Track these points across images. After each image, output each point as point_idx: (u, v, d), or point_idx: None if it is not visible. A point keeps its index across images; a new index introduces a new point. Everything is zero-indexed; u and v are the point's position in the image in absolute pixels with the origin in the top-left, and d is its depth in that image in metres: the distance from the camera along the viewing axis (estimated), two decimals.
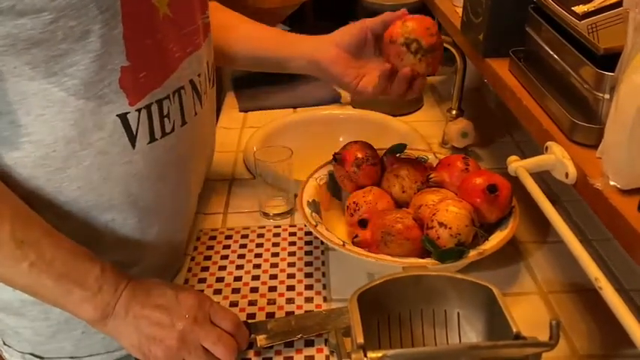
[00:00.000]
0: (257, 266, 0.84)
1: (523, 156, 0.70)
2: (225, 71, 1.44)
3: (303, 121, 1.23)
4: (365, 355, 0.52)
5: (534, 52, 0.80)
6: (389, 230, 0.77)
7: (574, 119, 0.66)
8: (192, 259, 0.87)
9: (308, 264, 0.85)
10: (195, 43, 0.75)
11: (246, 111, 1.31)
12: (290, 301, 0.78)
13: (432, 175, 0.85)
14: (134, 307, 0.66)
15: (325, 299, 0.79)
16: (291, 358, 0.70)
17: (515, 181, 0.70)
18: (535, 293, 0.79)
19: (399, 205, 0.86)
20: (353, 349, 0.53)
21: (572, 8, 0.69)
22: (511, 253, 0.85)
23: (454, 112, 1.13)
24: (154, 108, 0.69)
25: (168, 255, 0.82)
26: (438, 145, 1.13)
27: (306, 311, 0.77)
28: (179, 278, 0.84)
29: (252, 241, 0.90)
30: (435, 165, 0.90)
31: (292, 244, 0.89)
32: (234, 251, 0.88)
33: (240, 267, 0.85)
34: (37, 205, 0.66)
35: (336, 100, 1.30)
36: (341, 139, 1.12)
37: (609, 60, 0.62)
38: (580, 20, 0.66)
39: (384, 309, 0.64)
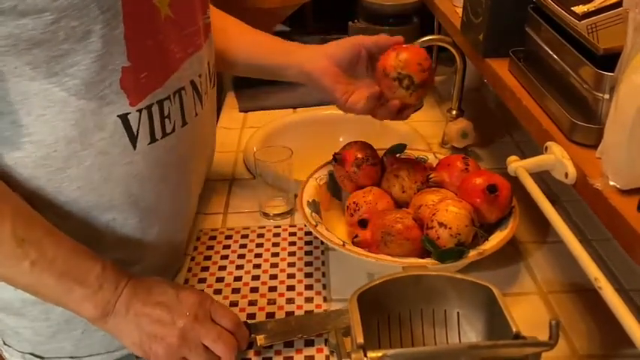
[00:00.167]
0: (257, 266, 0.85)
1: (523, 156, 0.70)
2: (225, 72, 1.44)
3: (303, 122, 1.23)
4: (365, 355, 0.52)
5: (534, 52, 0.80)
6: (389, 230, 0.77)
7: (574, 119, 0.67)
8: (193, 259, 0.87)
9: (308, 264, 0.85)
10: (196, 44, 0.75)
11: (246, 111, 1.31)
12: (290, 301, 0.78)
13: (431, 175, 0.85)
14: (135, 304, 0.66)
15: (325, 299, 0.79)
16: (291, 358, 0.70)
17: (515, 182, 0.70)
18: (535, 293, 0.79)
19: (399, 205, 0.86)
20: (353, 349, 0.53)
21: (572, 8, 0.69)
22: (511, 253, 0.85)
23: (454, 112, 1.13)
24: (155, 108, 0.69)
25: (168, 255, 0.82)
26: (438, 145, 1.13)
27: (306, 311, 0.77)
28: (179, 278, 0.84)
29: (252, 241, 0.90)
30: (434, 165, 0.90)
31: (292, 244, 0.89)
32: (234, 251, 0.88)
33: (240, 267, 0.85)
34: (38, 204, 0.66)
35: None
36: (341, 139, 1.12)
37: (609, 60, 0.62)
38: (580, 20, 0.66)
39: (384, 309, 0.64)
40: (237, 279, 0.82)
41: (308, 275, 0.83)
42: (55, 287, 0.64)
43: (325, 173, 0.93)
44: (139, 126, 0.68)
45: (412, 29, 1.27)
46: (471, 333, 0.64)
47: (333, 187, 0.93)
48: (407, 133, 1.14)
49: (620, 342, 0.70)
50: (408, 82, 0.76)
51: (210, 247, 0.89)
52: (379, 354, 0.52)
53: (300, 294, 0.80)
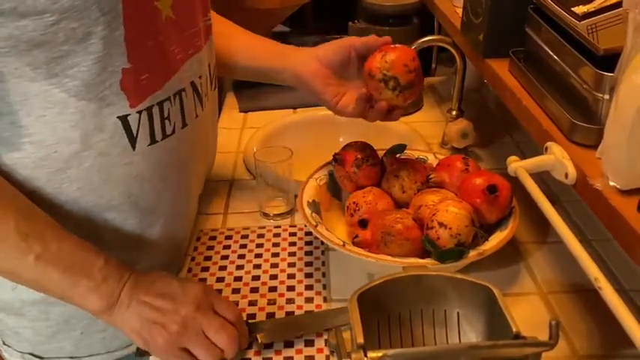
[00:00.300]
0: (257, 266, 0.85)
1: (523, 156, 0.70)
2: (224, 76, 1.44)
3: (303, 122, 1.23)
4: (365, 355, 0.52)
5: (534, 52, 0.80)
6: (389, 230, 0.77)
7: (574, 120, 0.67)
8: (193, 259, 0.87)
9: (308, 264, 0.85)
10: (196, 45, 0.75)
11: (246, 111, 1.31)
12: (290, 301, 0.78)
13: (431, 176, 0.85)
14: (138, 293, 0.66)
15: (325, 299, 0.79)
16: (291, 358, 0.70)
17: (515, 182, 0.70)
18: (535, 293, 0.79)
19: (399, 205, 0.86)
20: (353, 349, 0.53)
21: (572, 9, 0.69)
22: (511, 253, 0.85)
23: (454, 112, 1.13)
24: (155, 110, 0.69)
25: (168, 255, 0.82)
26: (438, 146, 1.13)
27: (306, 311, 0.77)
28: None
29: (252, 241, 0.90)
30: (434, 165, 0.90)
31: (292, 244, 0.89)
32: (234, 251, 0.88)
33: (240, 267, 0.85)
34: (38, 205, 0.66)
35: None
36: (341, 140, 1.12)
37: (609, 60, 0.62)
38: (580, 21, 0.67)
39: (384, 309, 0.64)
40: (238, 279, 0.82)
41: (308, 275, 0.83)
42: (59, 281, 0.64)
43: (325, 173, 0.93)
44: (138, 127, 0.68)
45: (412, 30, 1.27)
46: (471, 333, 0.64)
47: (333, 188, 0.93)
48: (407, 134, 1.14)
49: (620, 342, 0.70)
50: (394, 84, 0.75)
51: (211, 248, 0.89)
52: (379, 354, 0.52)
53: (300, 294, 0.80)
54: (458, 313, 0.64)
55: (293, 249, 0.88)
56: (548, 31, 0.75)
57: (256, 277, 0.83)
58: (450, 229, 0.74)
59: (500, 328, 0.57)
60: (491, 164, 1.06)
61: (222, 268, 0.85)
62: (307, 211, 0.84)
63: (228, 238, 0.91)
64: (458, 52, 1.06)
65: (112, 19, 0.61)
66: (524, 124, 0.78)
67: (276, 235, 0.91)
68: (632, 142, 0.55)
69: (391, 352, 0.52)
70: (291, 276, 0.83)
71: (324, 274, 0.83)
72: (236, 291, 0.80)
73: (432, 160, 0.94)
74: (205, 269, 0.85)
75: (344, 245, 0.77)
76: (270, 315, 0.76)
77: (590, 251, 0.57)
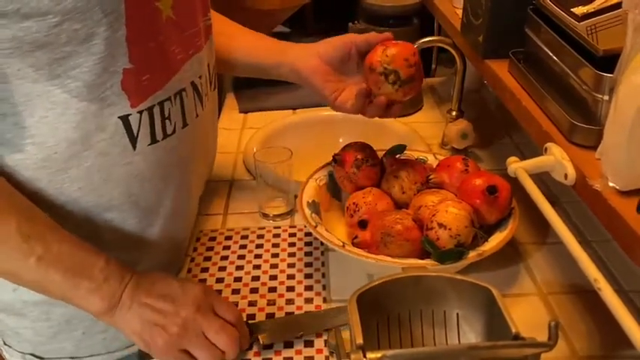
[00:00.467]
0: (257, 267, 0.85)
1: (522, 157, 0.70)
2: (225, 74, 1.44)
3: (303, 122, 1.23)
4: (364, 356, 0.52)
5: (534, 53, 0.80)
6: (388, 231, 0.77)
7: (573, 120, 0.67)
8: (192, 259, 0.87)
9: (308, 265, 0.85)
10: (196, 45, 0.75)
11: (246, 112, 1.31)
12: (290, 301, 0.78)
13: (431, 176, 0.85)
14: (139, 294, 0.66)
15: (325, 300, 0.79)
16: (291, 358, 0.70)
17: (515, 183, 0.70)
18: (534, 294, 0.79)
19: (399, 206, 0.86)
20: (352, 350, 0.53)
21: (572, 10, 0.69)
22: (510, 254, 0.85)
23: (454, 113, 1.13)
24: (156, 110, 0.70)
25: (169, 256, 0.82)
26: (438, 146, 1.13)
27: (306, 312, 0.77)
28: None
29: (252, 242, 0.90)
30: (434, 166, 0.90)
31: (292, 245, 0.89)
32: (233, 252, 0.88)
33: (240, 268, 0.85)
34: (38, 205, 0.66)
35: None
36: (341, 140, 1.12)
37: (608, 61, 0.62)
38: (579, 22, 0.67)
39: (383, 309, 0.64)
40: (237, 280, 0.82)
41: (308, 276, 0.83)
42: (61, 282, 0.64)
43: (325, 174, 0.93)
44: (139, 127, 0.68)
45: (412, 30, 1.27)
46: (471, 334, 0.64)
47: (333, 188, 0.93)
48: (407, 134, 1.14)
49: (620, 343, 0.70)
50: (394, 78, 0.76)
51: (210, 248, 0.89)
52: (378, 354, 0.52)
53: (299, 295, 0.80)
54: (457, 313, 0.64)
55: (293, 250, 0.88)
56: (548, 32, 0.75)
57: (256, 278, 0.83)
58: (450, 229, 0.74)
59: (500, 329, 0.57)
60: (491, 165, 1.06)
61: (222, 268, 0.85)
62: (307, 211, 0.84)
63: (228, 238, 0.91)
64: (458, 52, 1.06)
65: (115, 20, 0.61)
66: (524, 124, 0.78)
67: (276, 235, 0.91)
68: (631, 143, 0.55)
69: (390, 352, 0.52)
70: (290, 277, 0.83)
71: (323, 275, 0.83)
72: (236, 292, 0.80)
73: (431, 160, 0.94)
74: (205, 270, 0.85)
75: (344, 246, 0.77)
76: (270, 315, 0.76)
77: (589, 252, 0.57)
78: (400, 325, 0.65)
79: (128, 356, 0.81)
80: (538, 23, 0.78)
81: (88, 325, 0.78)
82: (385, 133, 1.14)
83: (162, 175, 0.74)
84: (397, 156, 0.92)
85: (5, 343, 0.83)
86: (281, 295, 0.79)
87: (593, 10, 0.67)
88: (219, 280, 0.82)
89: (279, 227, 0.93)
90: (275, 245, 0.89)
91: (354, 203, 0.85)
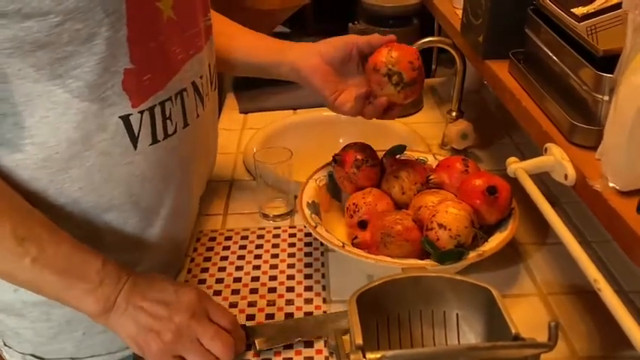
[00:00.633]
0: (257, 267, 0.85)
1: (522, 157, 0.70)
2: (225, 73, 1.44)
3: (303, 123, 1.23)
4: (364, 356, 0.52)
5: (534, 53, 0.80)
6: (388, 231, 0.77)
7: (573, 121, 0.67)
8: (192, 260, 0.87)
9: (308, 265, 0.85)
10: (197, 45, 0.75)
11: (246, 112, 1.31)
12: (289, 302, 0.78)
13: (431, 177, 0.85)
14: (134, 298, 0.66)
15: (325, 300, 0.79)
16: (290, 359, 0.70)
17: (515, 183, 0.70)
18: (534, 295, 0.79)
19: (399, 206, 0.86)
20: (352, 350, 0.53)
21: (572, 10, 0.69)
22: (510, 254, 0.85)
23: (454, 113, 1.13)
24: (157, 110, 0.69)
25: (169, 256, 0.82)
26: (438, 147, 1.13)
27: (305, 313, 0.77)
28: (179, 279, 0.84)
29: (251, 242, 0.90)
30: (434, 166, 0.90)
31: (292, 245, 0.89)
32: (233, 252, 0.88)
33: (239, 268, 0.85)
34: (39, 206, 0.66)
35: None
36: (341, 141, 1.12)
37: (608, 62, 0.62)
38: (579, 22, 0.67)
39: (383, 310, 0.64)
40: (237, 280, 0.82)
41: (308, 276, 0.83)
42: (56, 283, 0.64)
43: (325, 174, 0.93)
44: (140, 127, 0.68)
45: (412, 31, 1.27)
46: (470, 334, 0.64)
47: (333, 189, 0.93)
48: (407, 135, 1.14)
49: (620, 343, 0.70)
50: (398, 79, 0.76)
51: (210, 249, 0.89)
52: (378, 355, 0.52)
53: (299, 295, 0.80)
54: (457, 314, 0.64)
55: (292, 250, 0.88)
56: (548, 32, 0.75)
57: (256, 278, 0.83)
58: (450, 230, 0.74)
59: (500, 330, 0.57)
60: (491, 165, 1.06)
61: (222, 269, 0.85)
62: (307, 212, 0.84)
63: (228, 239, 0.91)
64: (458, 53, 1.06)
65: (116, 20, 0.61)
66: (524, 125, 0.78)
67: (276, 236, 0.91)
68: (631, 143, 0.55)
69: (390, 353, 0.52)
70: (290, 277, 0.83)
71: (323, 275, 0.83)
72: (235, 292, 0.80)
73: (431, 161, 0.94)
74: (205, 270, 0.85)
75: (343, 246, 0.77)
76: (270, 316, 0.76)
77: (589, 252, 0.57)
78: (400, 325, 0.65)
79: (128, 357, 0.81)
80: (538, 23, 0.78)
81: (88, 326, 0.78)
82: (385, 133, 1.14)
83: (163, 175, 0.74)
84: (397, 156, 0.92)
85: (5, 344, 0.83)
86: (281, 296, 0.79)
87: (593, 10, 0.67)
88: (219, 281, 0.82)
89: (279, 228, 0.93)
90: (275, 246, 0.89)
91: (353, 204, 0.85)
